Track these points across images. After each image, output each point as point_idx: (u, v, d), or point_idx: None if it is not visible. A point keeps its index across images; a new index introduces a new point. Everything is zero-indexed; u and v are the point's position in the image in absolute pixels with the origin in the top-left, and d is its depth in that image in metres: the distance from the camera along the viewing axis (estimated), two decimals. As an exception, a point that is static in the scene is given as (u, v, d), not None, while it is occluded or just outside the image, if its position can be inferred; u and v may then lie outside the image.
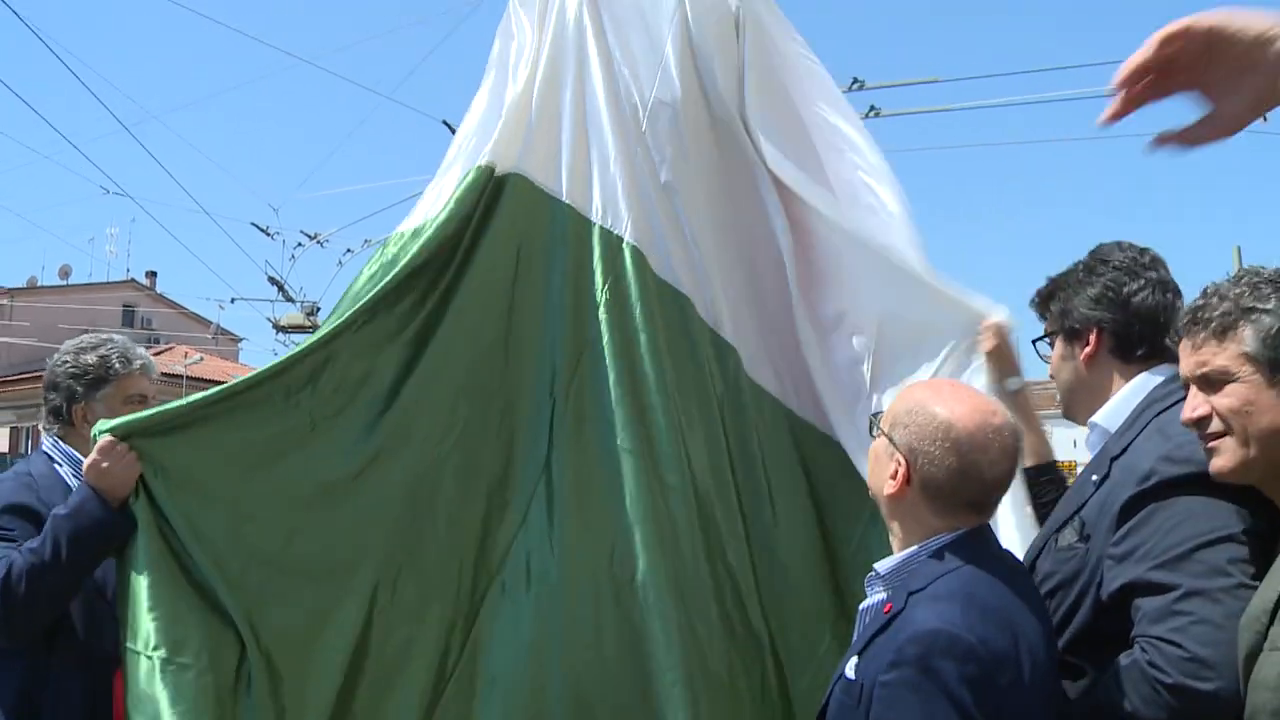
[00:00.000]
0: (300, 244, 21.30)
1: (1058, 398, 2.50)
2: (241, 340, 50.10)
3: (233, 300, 25.83)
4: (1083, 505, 2.15)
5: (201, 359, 38.23)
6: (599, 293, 2.75)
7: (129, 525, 2.31)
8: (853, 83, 12.92)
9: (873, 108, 13.19)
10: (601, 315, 2.74)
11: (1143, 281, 2.30)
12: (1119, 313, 2.30)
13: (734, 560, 2.66)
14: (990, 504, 1.92)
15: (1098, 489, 2.14)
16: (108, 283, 50.72)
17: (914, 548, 1.90)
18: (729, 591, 2.63)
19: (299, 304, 23.12)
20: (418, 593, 2.52)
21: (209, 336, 40.85)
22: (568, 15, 2.93)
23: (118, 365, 2.83)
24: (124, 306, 50.60)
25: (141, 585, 2.27)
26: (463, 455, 2.61)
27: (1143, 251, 2.37)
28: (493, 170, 2.74)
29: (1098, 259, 2.37)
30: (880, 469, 1.96)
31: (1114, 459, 2.14)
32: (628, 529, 2.56)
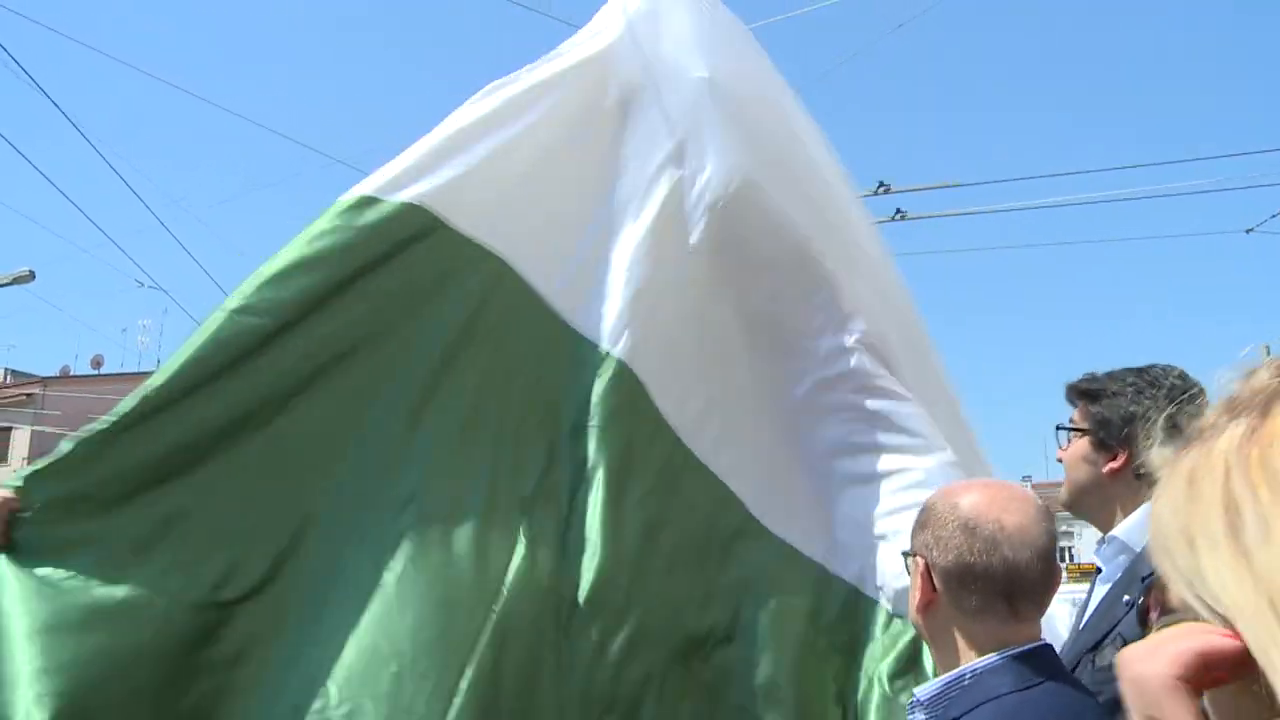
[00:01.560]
0: (330, 338, 21.43)
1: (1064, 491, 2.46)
2: (268, 432, 50.33)
3: (261, 393, 25.85)
4: (1116, 623, 2.10)
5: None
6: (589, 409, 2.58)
7: None
8: (879, 187, 13.07)
9: (899, 211, 13.31)
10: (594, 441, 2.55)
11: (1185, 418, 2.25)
12: None
13: None
14: (1026, 598, 1.68)
15: (1130, 609, 2.09)
16: (139, 373, 51.23)
17: (957, 670, 1.69)
18: None
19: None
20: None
21: (236, 428, 40.95)
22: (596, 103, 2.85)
23: None
24: (154, 397, 51.08)
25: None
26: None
27: (1191, 384, 2.30)
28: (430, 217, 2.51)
29: (1149, 380, 2.34)
30: (912, 587, 1.79)
31: (1144, 579, 2.08)
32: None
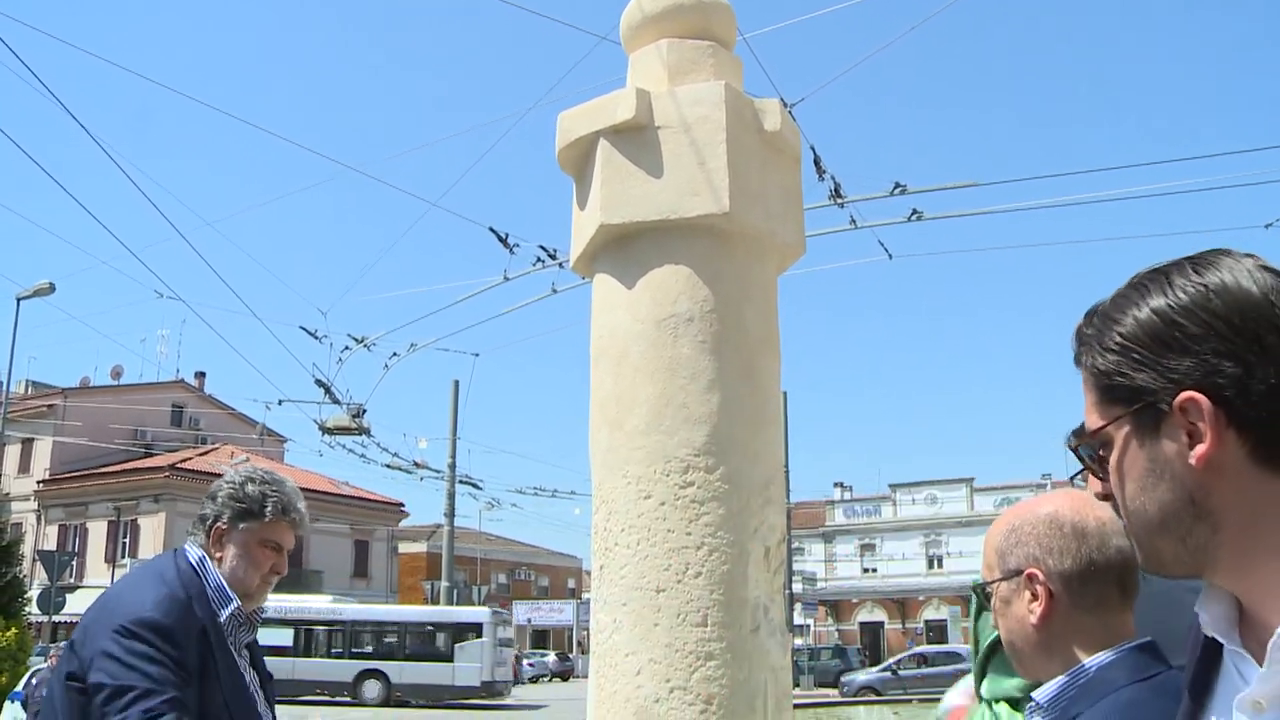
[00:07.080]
0: (347, 347, 21.40)
1: None
2: (287, 441, 50.63)
3: (280, 402, 26.18)
4: None
5: (247, 459, 38.56)
6: None
7: None
8: (894, 187, 13.03)
9: (915, 211, 13.27)
10: None
11: None
12: None
13: None
14: (1132, 582, 1.73)
15: None
16: (158, 383, 51.69)
17: (1074, 668, 1.69)
18: None
19: (345, 406, 23.30)
20: None
21: (255, 437, 41.19)
22: None
23: (269, 509, 2.78)
24: (173, 407, 51.46)
25: None
26: None
27: None
28: None
29: None
30: (1013, 610, 1.77)
31: None
32: None
